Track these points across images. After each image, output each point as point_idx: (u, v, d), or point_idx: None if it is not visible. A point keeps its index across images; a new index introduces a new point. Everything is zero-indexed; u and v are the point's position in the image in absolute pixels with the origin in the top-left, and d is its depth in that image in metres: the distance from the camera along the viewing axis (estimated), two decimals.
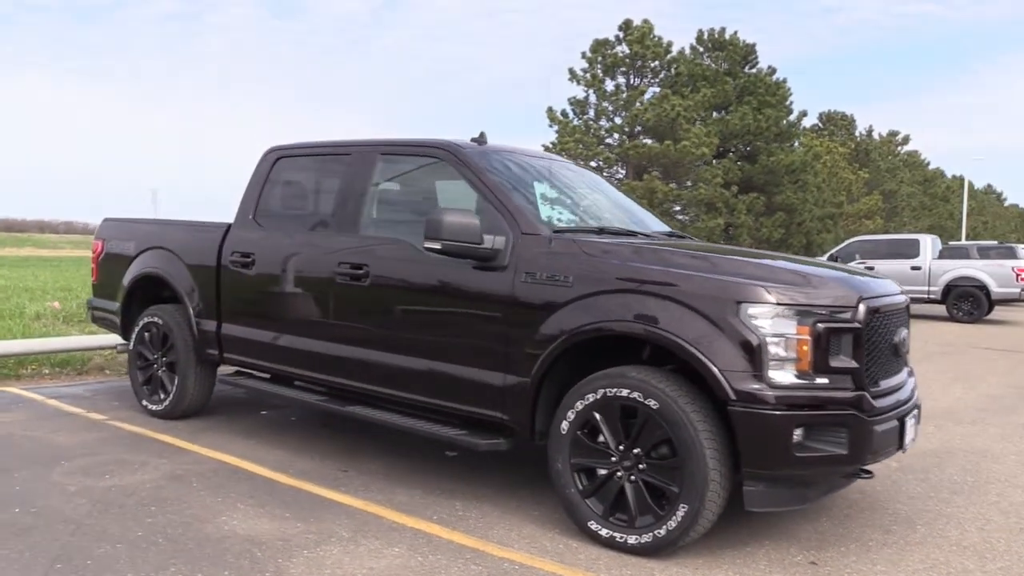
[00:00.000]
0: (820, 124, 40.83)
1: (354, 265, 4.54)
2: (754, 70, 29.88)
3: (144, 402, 5.86)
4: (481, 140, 4.66)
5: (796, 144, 30.46)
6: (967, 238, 43.98)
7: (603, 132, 26.29)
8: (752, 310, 3.37)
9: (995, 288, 18.14)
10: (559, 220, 4.42)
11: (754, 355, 3.34)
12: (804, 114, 30.06)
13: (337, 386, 4.71)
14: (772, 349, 3.35)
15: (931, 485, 4.83)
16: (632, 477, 3.59)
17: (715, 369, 3.35)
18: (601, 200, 5.00)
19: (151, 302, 6.03)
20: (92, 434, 5.32)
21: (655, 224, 5.03)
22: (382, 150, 4.75)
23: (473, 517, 4.00)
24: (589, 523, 3.66)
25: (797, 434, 3.33)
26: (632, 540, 3.54)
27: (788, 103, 29.43)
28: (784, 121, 28.96)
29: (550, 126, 26.20)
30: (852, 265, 8.19)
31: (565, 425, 3.73)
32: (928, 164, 52.69)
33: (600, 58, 26.27)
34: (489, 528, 3.86)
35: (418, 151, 4.66)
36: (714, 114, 28.35)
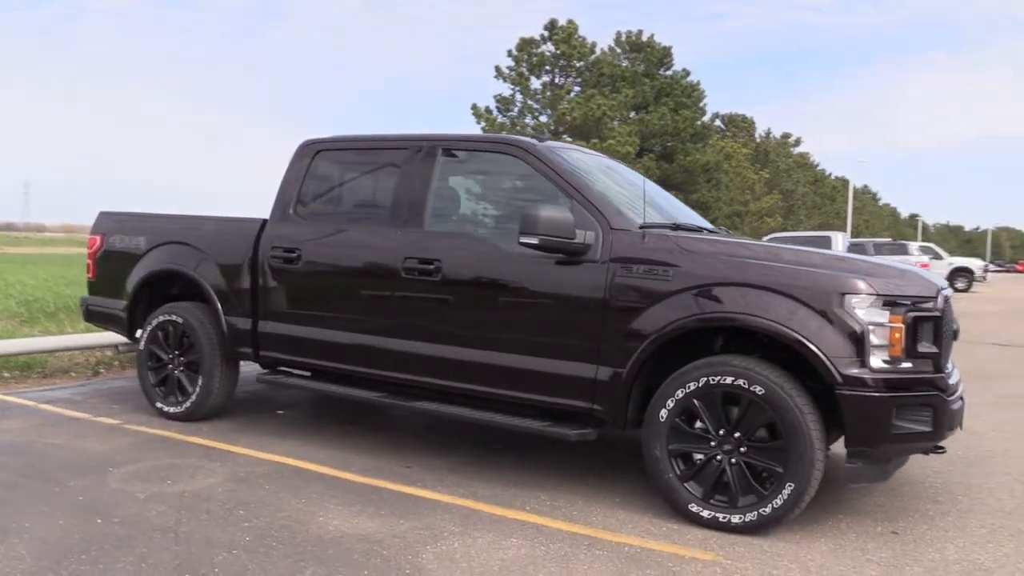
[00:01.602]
0: (723, 126, 42.67)
1: (423, 260, 4.50)
2: (670, 72, 30.96)
3: (159, 404, 5.59)
4: (541, 137, 4.72)
5: (705, 144, 31.68)
6: (851, 235, 47.06)
7: (529, 130, 26.59)
8: (855, 300, 3.60)
9: None
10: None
11: (858, 342, 3.57)
12: (717, 115, 31.43)
13: (401, 382, 4.66)
14: (871, 337, 3.59)
15: (947, 460, 5.19)
16: (733, 460, 3.76)
17: (824, 356, 3.56)
18: (654, 196, 5.14)
19: (161, 299, 5.76)
20: (120, 440, 5.04)
21: (701, 219, 5.22)
22: (444, 146, 4.73)
23: (562, 506, 4.07)
24: (690, 506, 3.81)
25: (893, 414, 3.59)
26: (736, 519, 3.71)
27: (702, 105, 30.69)
28: (699, 122, 30.16)
29: (477, 123, 26.34)
30: None
31: (664, 413, 3.85)
32: (818, 165, 55.95)
33: (526, 56, 26.57)
34: (586, 516, 3.94)
35: (486, 147, 4.68)
36: (632, 114, 29.15)
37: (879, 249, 25.15)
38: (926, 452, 3.94)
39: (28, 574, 3.07)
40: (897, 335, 3.62)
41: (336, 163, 5.20)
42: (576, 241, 4.03)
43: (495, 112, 26.92)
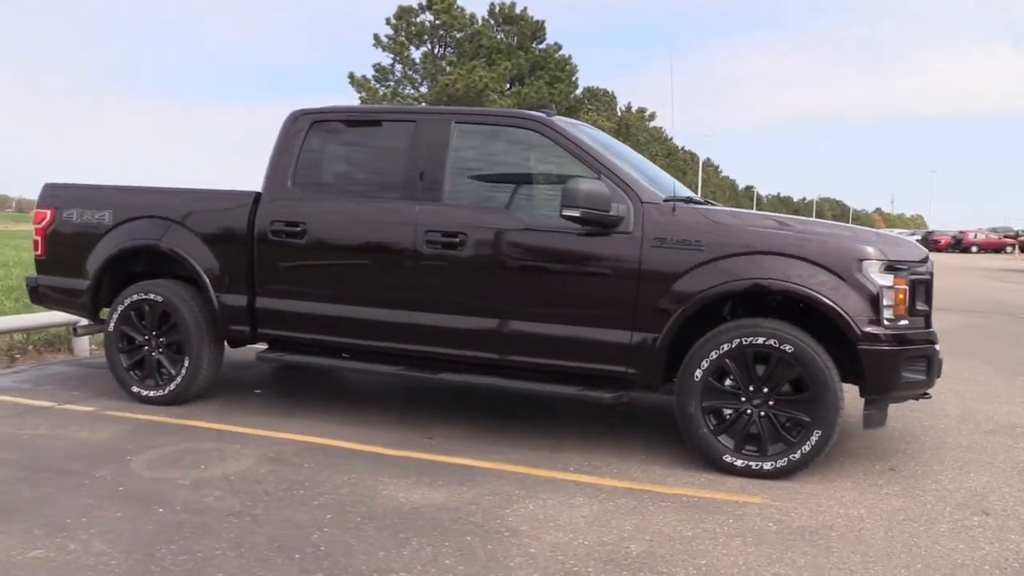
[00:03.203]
0: (586, 100, 43.83)
1: (446, 233, 4.54)
2: (543, 46, 31.45)
3: (135, 388, 5.28)
4: (550, 112, 4.84)
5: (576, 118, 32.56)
6: None
7: (410, 100, 26.23)
8: (869, 265, 4.04)
9: None
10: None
11: (873, 303, 4.01)
12: (589, 90, 32.31)
13: (428, 355, 4.69)
14: (883, 298, 4.04)
15: (895, 407, 5.84)
16: (762, 413, 4.12)
17: (848, 316, 3.98)
18: (657, 173, 5.39)
19: (124, 278, 5.44)
20: (113, 427, 4.76)
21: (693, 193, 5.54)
22: (458, 119, 4.76)
23: (601, 466, 4.28)
24: (724, 457, 4.14)
25: (901, 365, 4.08)
26: (768, 466, 4.09)
27: (575, 79, 31.47)
28: (572, 96, 30.93)
29: (357, 92, 25.63)
30: None
31: (698, 373, 4.15)
32: (672, 139, 58.77)
33: (405, 25, 26.09)
34: (627, 473, 4.18)
35: (503, 121, 4.74)
36: (508, 87, 29.43)
37: None
38: (917, 398, 4.48)
39: (126, 569, 2.94)
40: (901, 296, 4.09)
41: (336, 135, 5.08)
42: (612, 214, 4.22)
43: (373, 81, 26.36)
